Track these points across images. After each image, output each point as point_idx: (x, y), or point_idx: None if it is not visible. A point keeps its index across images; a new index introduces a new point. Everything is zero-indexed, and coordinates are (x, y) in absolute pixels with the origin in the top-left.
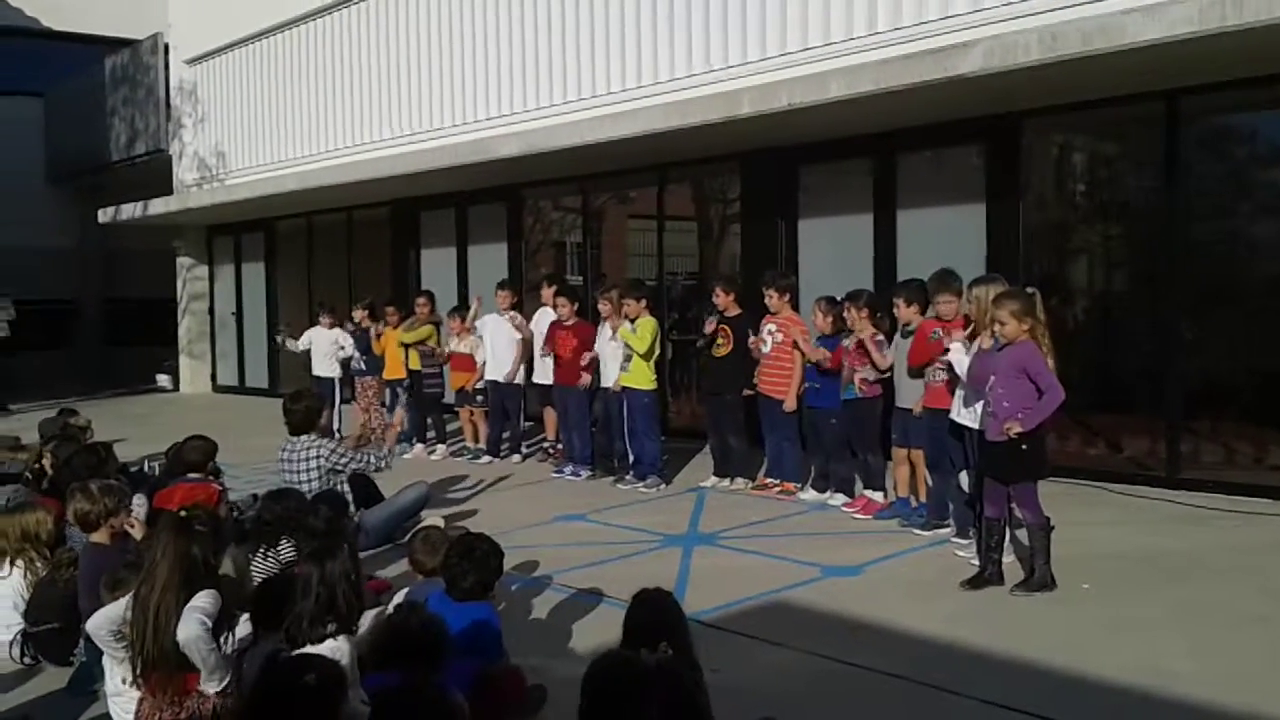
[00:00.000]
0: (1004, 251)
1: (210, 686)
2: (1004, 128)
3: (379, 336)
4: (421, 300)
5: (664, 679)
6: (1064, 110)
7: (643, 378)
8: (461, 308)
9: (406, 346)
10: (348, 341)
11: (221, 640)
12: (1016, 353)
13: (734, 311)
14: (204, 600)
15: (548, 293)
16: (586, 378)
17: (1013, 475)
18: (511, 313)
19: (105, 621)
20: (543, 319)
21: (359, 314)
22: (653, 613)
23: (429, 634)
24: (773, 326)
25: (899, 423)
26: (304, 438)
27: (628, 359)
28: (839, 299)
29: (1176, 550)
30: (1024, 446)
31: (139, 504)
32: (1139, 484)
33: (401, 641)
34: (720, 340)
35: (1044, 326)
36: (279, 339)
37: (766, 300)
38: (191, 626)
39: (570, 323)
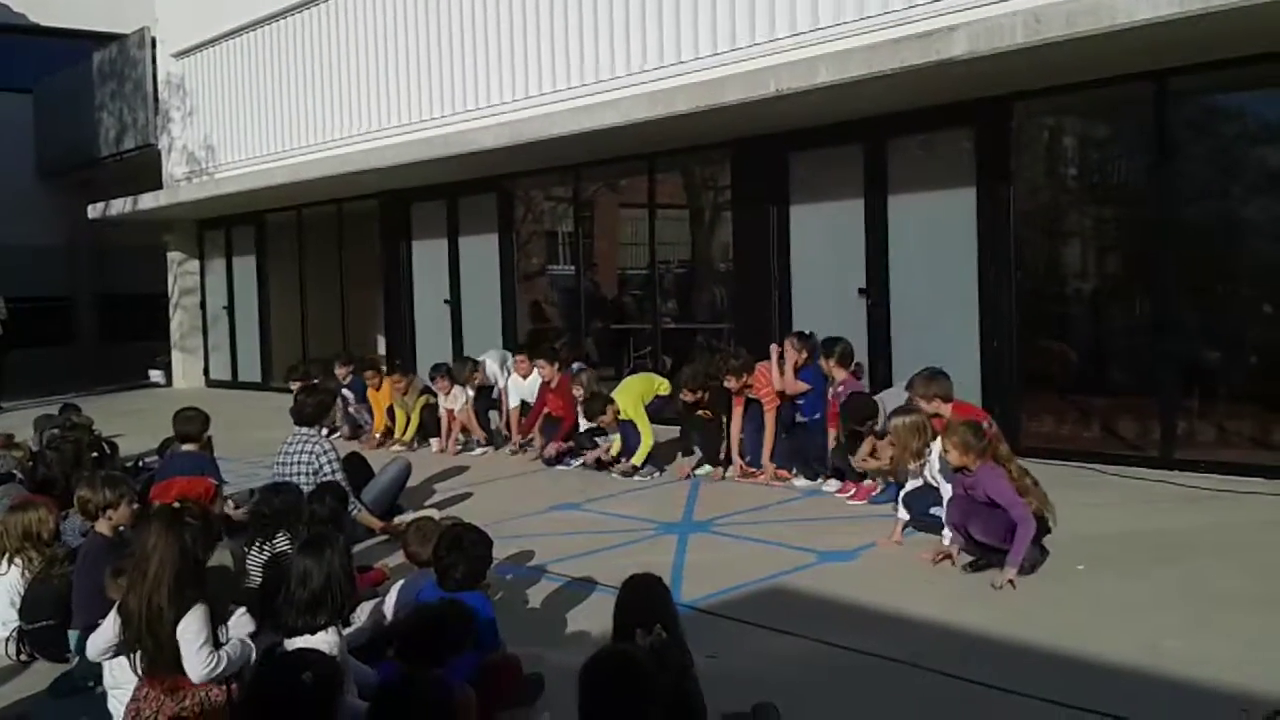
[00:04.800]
0: (995, 235)
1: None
2: (993, 111)
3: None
4: (396, 377)
5: (659, 667)
6: (1053, 92)
7: (647, 447)
8: (443, 366)
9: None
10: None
11: (220, 633)
12: (980, 481)
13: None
14: (195, 625)
15: (522, 363)
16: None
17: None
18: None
19: (101, 644)
20: (516, 388)
21: (341, 370)
22: (642, 597)
23: (458, 625)
24: (749, 394)
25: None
26: (309, 429)
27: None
28: (809, 333)
29: (1171, 530)
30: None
31: None
32: (1134, 465)
33: (433, 630)
34: (702, 413)
35: (1011, 460)
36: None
37: (726, 384)
38: (199, 666)
39: (554, 384)
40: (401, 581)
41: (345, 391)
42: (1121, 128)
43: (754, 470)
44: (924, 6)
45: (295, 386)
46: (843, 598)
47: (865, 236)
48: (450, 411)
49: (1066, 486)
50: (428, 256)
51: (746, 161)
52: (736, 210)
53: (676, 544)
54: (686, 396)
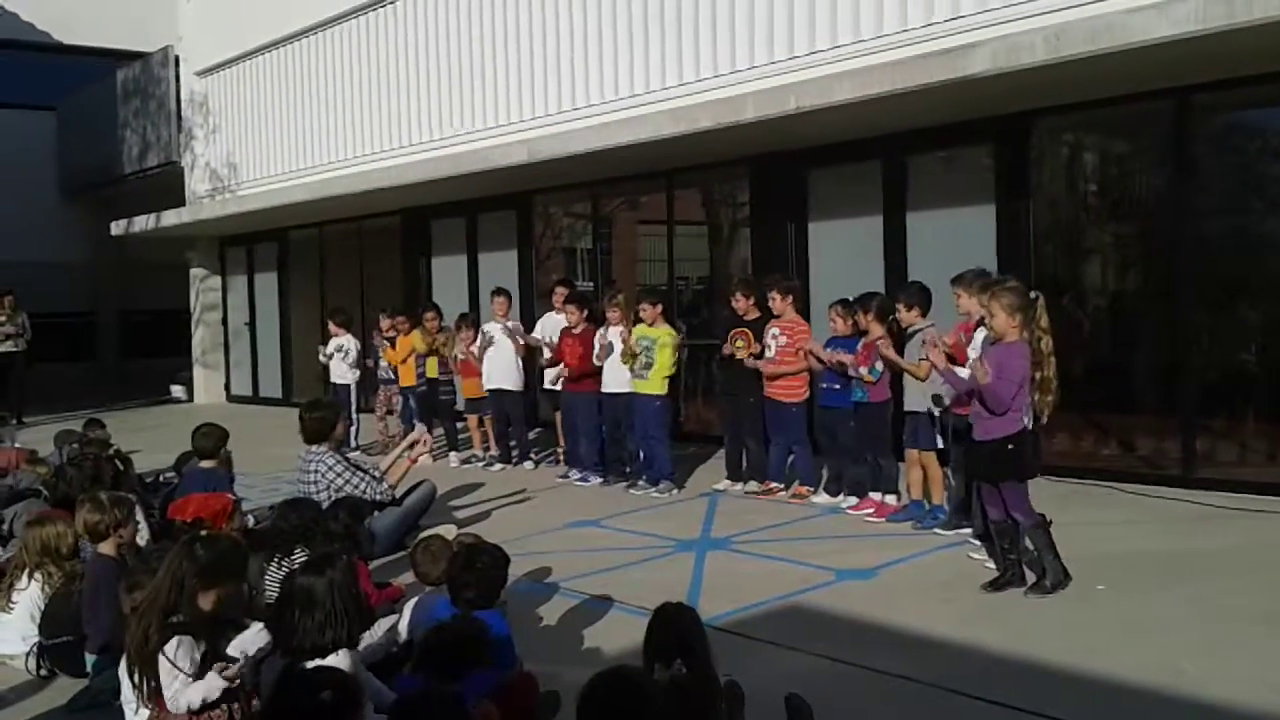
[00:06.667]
0: (1015, 252)
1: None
2: (1013, 128)
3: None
4: (430, 315)
5: (672, 697)
6: (1073, 109)
7: (656, 385)
8: (470, 315)
9: (423, 355)
10: (353, 345)
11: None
12: (999, 353)
13: (754, 315)
14: (172, 657)
15: (559, 295)
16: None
17: (1000, 475)
18: (513, 323)
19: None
20: (548, 323)
21: (385, 323)
22: (670, 628)
23: (476, 640)
24: (776, 330)
25: (909, 425)
26: (318, 447)
27: (646, 366)
28: (853, 300)
29: (1191, 550)
30: (1010, 446)
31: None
32: (1153, 483)
33: (451, 644)
34: (740, 343)
35: (1046, 333)
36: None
37: (770, 303)
38: (168, 697)
39: (578, 330)
40: (416, 599)
41: (376, 341)
42: (1141, 144)
43: (773, 486)
44: (944, 24)
45: (334, 325)
46: (861, 616)
47: (884, 253)
48: (465, 354)
49: (1085, 505)
50: (448, 272)
51: (765, 178)
52: (755, 227)
53: (694, 561)
54: (740, 302)
